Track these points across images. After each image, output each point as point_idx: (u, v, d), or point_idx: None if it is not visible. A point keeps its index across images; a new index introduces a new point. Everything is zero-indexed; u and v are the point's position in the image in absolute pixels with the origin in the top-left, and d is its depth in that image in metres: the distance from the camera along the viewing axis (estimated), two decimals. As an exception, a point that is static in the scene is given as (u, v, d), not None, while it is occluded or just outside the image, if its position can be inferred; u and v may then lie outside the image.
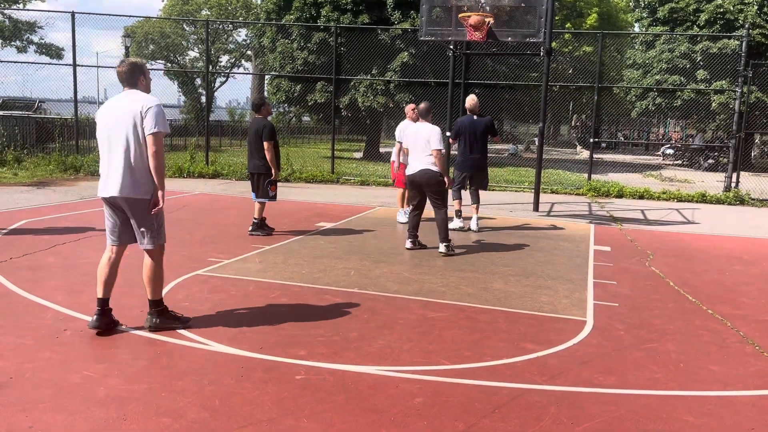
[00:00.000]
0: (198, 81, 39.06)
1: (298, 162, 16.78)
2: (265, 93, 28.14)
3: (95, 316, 4.27)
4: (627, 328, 4.91)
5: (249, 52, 39.39)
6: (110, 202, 4.25)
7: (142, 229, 4.28)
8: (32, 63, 21.49)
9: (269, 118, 8.13)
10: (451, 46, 11.29)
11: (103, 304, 4.29)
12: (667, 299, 5.83)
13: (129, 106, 4.14)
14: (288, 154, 16.52)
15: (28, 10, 27.51)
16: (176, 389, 3.49)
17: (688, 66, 23.45)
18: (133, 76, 4.26)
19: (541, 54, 10.45)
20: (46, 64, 24.45)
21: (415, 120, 8.54)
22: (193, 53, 42.97)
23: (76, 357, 3.88)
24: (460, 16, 9.42)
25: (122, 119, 4.13)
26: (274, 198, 8.06)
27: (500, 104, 23.08)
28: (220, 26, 38.76)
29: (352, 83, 20.01)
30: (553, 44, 29.54)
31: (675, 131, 38.31)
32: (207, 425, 3.11)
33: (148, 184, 4.18)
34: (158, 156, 4.13)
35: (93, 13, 49.77)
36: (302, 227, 8.64)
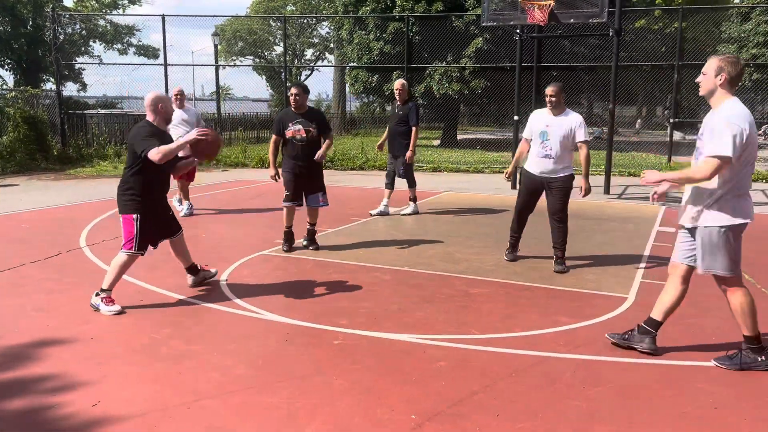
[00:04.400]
0: (283, 75, 40.44)
1: (372, 151, 17.20)
2: (345, 84, 28.82)
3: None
4: (669, 305, 4.93)
5: (331, 45, 40.31)
6: None
7: None
8: (127, 64, 23.07)
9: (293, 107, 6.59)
10: (518, 30, 11.27)
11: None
12: (721, 278, 5.74)
13: None
14: (363, 143, 16.98)
15: (126, 15, 29.52)
16: (227, 351, 3.95)
17: (787, 38, 21.94)
18: None
19: (610, 34, 10.29)
20: (140, 64, 26.20)
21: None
22: (279, 48, 44.53)
23: (147, 322, 4.43)
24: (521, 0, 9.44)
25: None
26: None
27: (581, 86, 22.57)
28: (304, 21, 39.93)
29: (427, 71, 20.19)
30: (642, 22, 28.38)
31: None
32: (250, 380, 3.54)
33: None
34: None
35: (181, 15, 52.53)
36: (368, 212, 9.00)
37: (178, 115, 8.07)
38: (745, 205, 3.71)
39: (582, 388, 3.45)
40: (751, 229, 8.12)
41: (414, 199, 9.00)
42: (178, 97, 8.38)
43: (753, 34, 23.12)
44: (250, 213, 8.97)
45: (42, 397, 3.31)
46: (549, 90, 5.82)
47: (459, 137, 24.46)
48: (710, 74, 3.66)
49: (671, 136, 14.51)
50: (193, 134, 4.67)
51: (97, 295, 4.72)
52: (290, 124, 6.47)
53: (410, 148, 8.43)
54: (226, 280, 5.50)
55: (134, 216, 4.73)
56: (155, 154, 4.47)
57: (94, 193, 10.67)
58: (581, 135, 5.77)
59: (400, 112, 8.50)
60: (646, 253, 6.71)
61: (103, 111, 18.90)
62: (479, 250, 6.76)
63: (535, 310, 4.79)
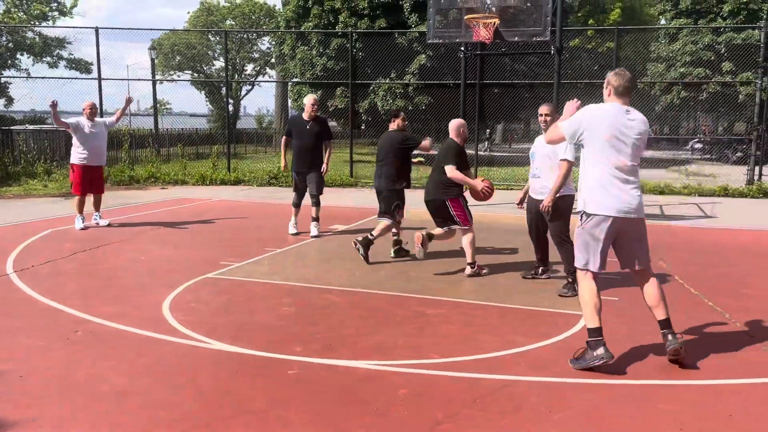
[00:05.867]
0: (224, 90, 39.73)
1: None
2: (288, 100, 28.52)
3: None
4: (624, 321, 4.96)
5: (272, 60, 39.95)
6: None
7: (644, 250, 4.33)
8: (58, 78, 22.20)
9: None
10: (462, 48, 11.36)
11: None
12: (669, 293, 5.78)
13: (642, 123, 4.05)
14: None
15: (56, 27, 28.38)
16: (174, 384, 3.68)
17: (712, 58, 23.10)
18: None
19: (552, 52, 10.49)
20: (71, 78, 24.99)
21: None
22: (219, 63, 43.76)
23: (84, 356, 4.10)
24: (466, 18, 9.51)
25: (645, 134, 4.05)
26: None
27: (521, 102, 23.07)
28: (245, 36, 39.40)
29: (371, 87, 20.20)
30: (576, 41, 29.38)
31: (705, 125, 37.55)
32: (199, 417, 3.29)
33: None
34: None
35: (116, 28, 50.81)
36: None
37: (88, 126, 8.80)
38: (601, 198, 4.10)
39: (548, 412, 3.36)
40: (690, 244, 8.36)
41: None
42: (92, 110, 8.98)
43: (681, 53, 24.23)
44: (191, 233, 8.61)
45: (-36, 447, 2.98)
46: (542, 109, 5.70)
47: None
48: (604, 88, 4.14)
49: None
50: (480, 185, 6.29)
51: (471, 267, 6.27)
52: None
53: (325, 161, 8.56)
54: (170, 307, 5.20)
55: (461, 200, 6.30)
56: (451, 170, 6.16)
57: (23, 213, 10.06)
58: (562, 152, 5.50)
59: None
60: (595, 268, 6.77)
61: (31, 127, 17.95)
62: (432, 268, 6.67)
63: (492, 330, 4.71)
